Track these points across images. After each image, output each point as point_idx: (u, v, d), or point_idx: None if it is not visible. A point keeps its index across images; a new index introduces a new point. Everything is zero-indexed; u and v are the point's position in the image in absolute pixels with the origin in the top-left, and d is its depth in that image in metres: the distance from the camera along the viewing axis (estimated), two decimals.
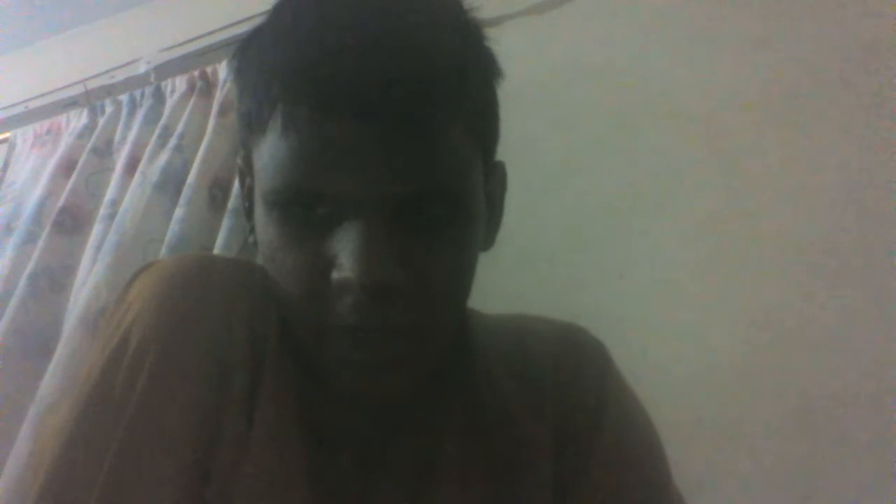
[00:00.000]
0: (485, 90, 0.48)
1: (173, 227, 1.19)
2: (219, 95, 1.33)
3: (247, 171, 0.51)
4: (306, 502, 0.45)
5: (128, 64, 1.55)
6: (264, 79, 0.43)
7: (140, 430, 0.41)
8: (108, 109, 1.50)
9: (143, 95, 1.47)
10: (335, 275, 0.41)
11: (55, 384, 1.11)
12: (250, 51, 0.48)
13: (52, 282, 1.28)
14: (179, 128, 1.33)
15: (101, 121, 1.48)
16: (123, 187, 1.31)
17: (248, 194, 0.53)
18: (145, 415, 0.42)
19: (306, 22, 0.43)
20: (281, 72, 0.42)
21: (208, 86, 1.38)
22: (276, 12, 0.47)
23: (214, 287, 0.48)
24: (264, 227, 0.45)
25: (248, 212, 0.53)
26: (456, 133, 0.43)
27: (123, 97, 1.50)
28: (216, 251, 1.15)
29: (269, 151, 0.43)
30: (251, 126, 0.46)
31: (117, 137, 1.45)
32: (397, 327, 0.42)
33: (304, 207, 0.42)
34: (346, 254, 0.40)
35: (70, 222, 1.34)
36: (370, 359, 0.43)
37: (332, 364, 0.44)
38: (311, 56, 0.41)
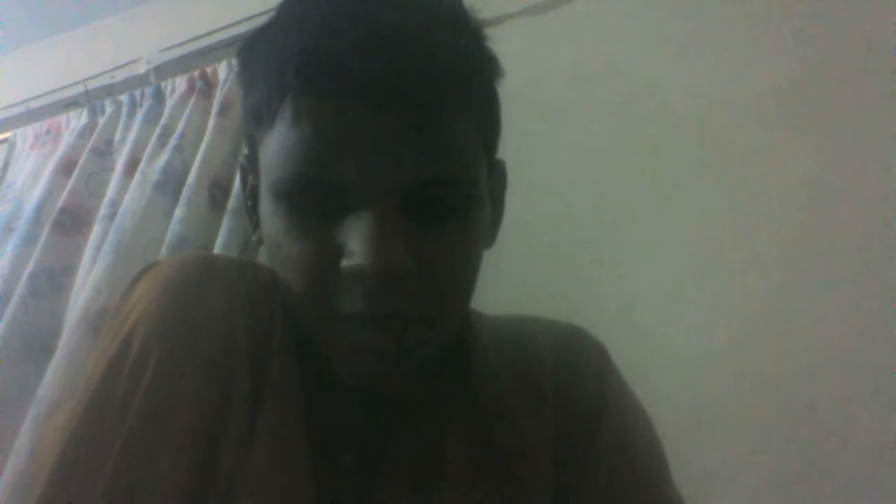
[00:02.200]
0: (488, 88, 0.49)
1: (173, 227, 1.19)
2: (219, 95, 1.33)
3: (250, 168, 0.51)
4: (309, 502, 0.45)
5: (128, 64, 1.55)
6: (276, 68, 0.43)
7: (143, 431, 0.41)
8: (108, 109, 1.50)
9: (143, 95, 1.47)
10: (345, 262, 0.41)
11: (55, 384, 1.11)
12: (259, 44, 0.48)
13: (52, 282, 1.29)
14: (179, 128, 1.33)
15: (101, 121, 1.48)
16: (123, 187, 1.31)
17: (250, 192, 0.53)
18: (148, 416, 0.42)
19: (318, 15, 0.43)
20: (294, 60, 0.42)
21: (208, 86, 1.38)
22: (283, 9, 0.47)
23: (217, 287, 0.48)
24: (271, 218, 0.45)
25: (251, 210, 0.53)
26: (463, 126, 0.44)
27: (123, 97, 1.50)
28: (216, 251, 1.15)
29: (279, 142, 0.43)
30: (260, 118, 0.45)
31: (117, 137, 1.45)
32: (407, 315, 0.42)
33: (313, 196, 0.42)
34: (357, 241, 0.40)
35: (70, 222, 1.34)
36: (380, 346, 0.43)
37: (341, 354, 0.44)
38: (325, 45, 0.41)
